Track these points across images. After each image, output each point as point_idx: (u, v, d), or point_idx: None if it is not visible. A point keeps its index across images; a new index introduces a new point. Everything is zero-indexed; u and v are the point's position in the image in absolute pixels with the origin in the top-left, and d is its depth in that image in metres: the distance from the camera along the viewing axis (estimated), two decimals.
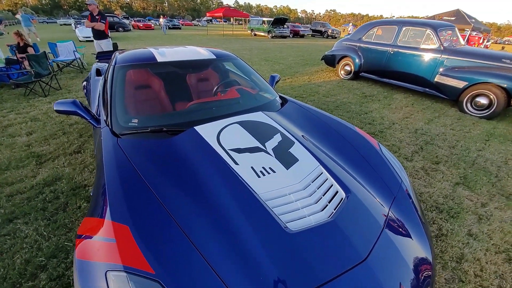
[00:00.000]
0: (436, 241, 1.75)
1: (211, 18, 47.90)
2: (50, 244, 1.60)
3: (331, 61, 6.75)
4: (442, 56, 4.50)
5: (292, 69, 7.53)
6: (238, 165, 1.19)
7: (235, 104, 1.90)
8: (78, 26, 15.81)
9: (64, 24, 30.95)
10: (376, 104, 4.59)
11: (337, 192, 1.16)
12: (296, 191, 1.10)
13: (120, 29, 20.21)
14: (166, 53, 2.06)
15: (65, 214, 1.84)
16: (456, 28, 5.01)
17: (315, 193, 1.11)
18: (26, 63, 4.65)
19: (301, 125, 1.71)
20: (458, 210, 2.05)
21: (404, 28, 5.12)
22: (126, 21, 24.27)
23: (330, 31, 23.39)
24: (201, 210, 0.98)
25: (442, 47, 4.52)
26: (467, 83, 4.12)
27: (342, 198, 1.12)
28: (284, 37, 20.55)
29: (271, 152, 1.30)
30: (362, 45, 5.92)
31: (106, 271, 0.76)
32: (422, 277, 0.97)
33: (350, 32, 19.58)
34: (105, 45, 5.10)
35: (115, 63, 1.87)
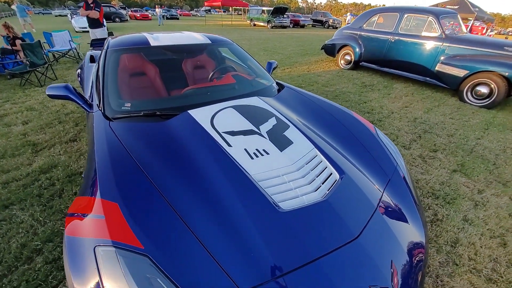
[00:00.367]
0: (431, 226, 1.76)
1: (209, 8, 46.94)
2: (46, 229, 1.61)
3: (331, 50, 6.64)
4: (444, 44, 4.42)
5: (291, 59, 7.42)
6: (231, 147, 1.18)
7: (230, 90, 1.87)
8: (74, 16, 15.51)
9: (60, 15, 30.27)
10: (376, 94, 4.54)
11: (331, 174, 1.15)
12: (289, 172, 1.09)
13: (117, 19, 19.84)
14: (160, 38, 2.02)
15: (61, 200, 1.84)
16: (458, 15, 4.90)
17: (309, 175, 1.10)
18: (21, 53, 4.57)
19: (297, 109, 1.69)
20: (454, 196, 2.06)
21: (405, 15, 5.00)
22: (123, 11, 23.78)
23: (331, 21, 22.97)
24: (192, 189, 0.97)
25: (443, 35, 4.43)
26: (468, 71, 4.06)
27: (336, 180, 1.12)
28: (284, 27, 20.16)
29: (265, 135, 1.29)
30: (362, 33, 5.80)
31: (95, 247, 0.75)
32: (415, 257, 0.98)
33: (348, 23, 19.26)
34: (100, 33, 5.01)
35: (108, 47, 1.82)
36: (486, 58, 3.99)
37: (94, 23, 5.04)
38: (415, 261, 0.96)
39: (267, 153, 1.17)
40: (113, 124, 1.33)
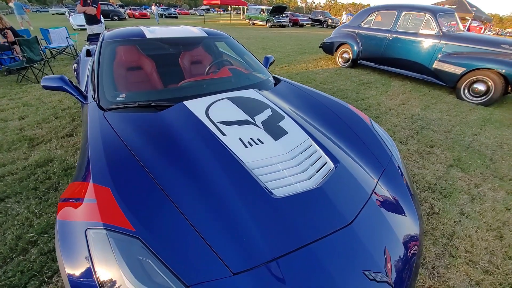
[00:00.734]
0: (427, 219, 1.76)
1: (208, 7, 46.87)
2: (41, 221, 1.60)
3: (329, 48, 6.64)
4: (441, 41, 4.43)
5: (289, 57, 7.42)
6: (225, 136, 1.18)
7: (226, 83, 1.87)
8: (72, 14, 15.43)
9: (57, 13, 30.02)
10: (373, 91, 4.55)
11: (325, 163, 1.15)
12: (283, 160, 1.09)
13: (115, 17, 19.76)
14: (156, 31, 2.01)
15: (57, 193, 1.83)
16: (456, 13, 4.92)
17: (303, 163, 1.10)
18: (17, 48, 4.54)
19: (293, 102, 1.69)
20: (451, 190, 2.06)
21: (403, 13, 5.01)
22: (122, 10, 23.70)
23: (330, 20, 22.98)
24: (184, 176, 0.97)
25: (441, 33, 4.45)
26: (465, 69, 4.08)
27: (330, 169, 1.12)
28: (283, 26, 20.17)
29: (260, 125, 1.29)
30: (360, 31, 5.81)
31: (86, 229, 0.75)
32: (409, 244, 0.98)
33: (344, 22, 19.36)
34: (97, 30, 4.98)
35: (103, 39, 1.81)
36: (483, 55, 4.01)
37: (91, 20, 5.01)
38: (409, 249, 0.96)
39: (262, 142, 1.17)
40: (107, 114, 1.33)
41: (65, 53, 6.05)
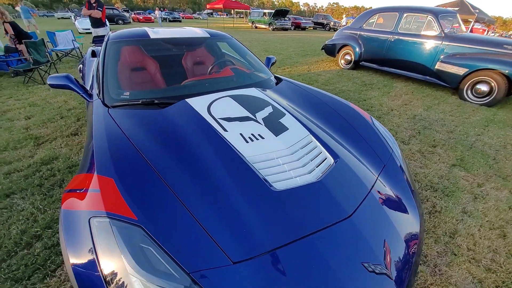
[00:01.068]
0: (429, 217, 1.75)
1: (212, 11, 47.36)
2: (46, 217, 1.63)
3: (331, 50, 6.67)
4: (443, 43, 4.43)
5: (292, 59, 7.46)
6: (227, 132, 1.19)
7: (228, 82, 1.89)
8: (77, 18, 15.73)
9: (62, 18, 30.59)
10: (375, 92, 4.55)
11: (325, 158, 1.16)
12: (283, 155, 1.10)
13: (120, 21, 20.04)
14: (160, 32, 2.05)
15: (61, 190, 1.86)
16: (457, 14, 4.92)
17: (303, 158, 1.11)
18: (24, 49, 4.63)
19: (294, 100, 1.70)
20: (453, 189, 2.05)
21: (405, 15, 5.03)
22: (126, 14, 24.05)
23: (332, 23, 23.05)
24: (185, 168, 0.99)
25: (443, 34, 4.45)
26: (468, 69, 4.07)
27: (330, 164, 1.13)
28: (285, 29, 20.27)
29: (261, 121, 1.30)
30: (362, 33, 5.83)
31: (90, 218, 0.77)
32: (409, 238, 0.98)
33: (343, 25, 19.53)
34: (102, 33, 5.07)
35: (108, 39, 1.86)
36: (486, 56, 4.00)
37: (97, 23, 5.12)
38: (409, 243, 0.96)
39: (262, 138, 1.19)
40: (112, 111, 1.35)
41: (70, 55, 6.17)
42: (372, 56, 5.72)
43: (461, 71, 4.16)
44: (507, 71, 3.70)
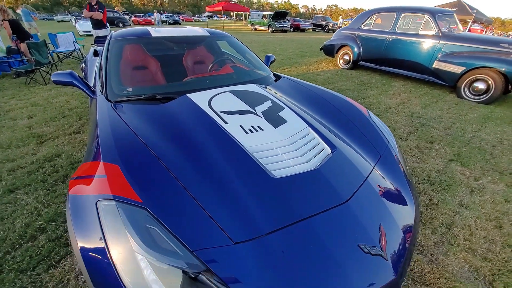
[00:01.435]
0: (426, 209, 1.78)
1: (211, 14, 47.60)
2: (50, 211, 1.65)
3: (330, 50, 6.72)
4: (440, 42, 4.48)
5: (291, 60, 7.52)
6: (227, 124, 1.23)
7: (228, 78, 1.93)
8: (78, 20, 15.87)
9: (62, 21, 30.81)
10: (374, 91, 4.59)
11: (323, 149, 1.19)
12: (282, 146, 1.14)
13: (120, 24, 20.15)
14: (161, 31, 2.09)
15: (64, 185, 1.90)
16: (454, 14, 4.98)
17: (301, 148, 1.15)
18: (26, 50, 4.69)
19: (292, 95, 1.74)
20: (450, 183, 2.08)
21: (402, 15, 5.09)
22: (127, 17, 24.22)
23: (331, 25, 23.20)
24: (187, 156, 1.02)
25: (440, 33, 4.50)
26: (465, 68, 4.11)
27: (327, 154, 1.16)
28: (285, 31, 20.41)
29: (260, 114, 1.34)
30: (360, 33, 5.89)
31: (97, 201, 0.80)
32: (404, 224, 1.01)
33: (340, 26, 19.77)
34: (103, 34, 5.12)
35: (111, 38, 1.90)
36: (483, 54, 4.04)
37: (98, 24, 5.16)
38: (404, 228, 0.99)
39: (262, 129, 1.22)
40: (115, 105, 1.39)
41: (71, 57, 6.22)
42: (370, 56, 5.78)
43: (458, 69, 4.21)
44: (504, 69, 3.75)
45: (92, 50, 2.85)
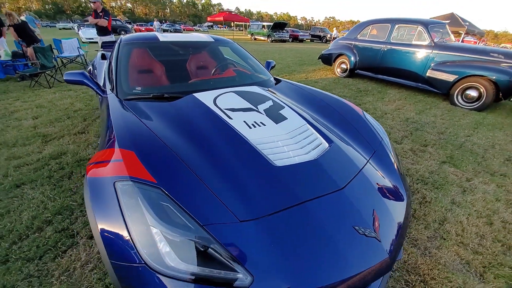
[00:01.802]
0: (419, 207, 1.85)
1: (212, 24, 48.66)
2: (56, 204, 1.70)
3: (327, 59, 6.93)
4: (433, 51, 4.67)
5: (289, 68, 7.71)
6: (231, 119, 1.31)
7: (231, 81, 2.03)
8: (81, 28, 16.19)
9: (63, 28, 31.46)
10: (370, 98, 4.73)
11: (321, 143, 1.27)
12: (283, 139, 1.22)
13: (123, 32, 20.52)
14: (168, 36, 2.21)
15: (70, 181, 1.95)
16: (446, 25, 5.20)
17: (301, 142, 1.23)
18: (32, 54, 4.80)
19: (292, 96, 1.84)
20: (443, 183, 2.16)
21: (397, 26, 5.31)
22: (129, 26, 24.73)
23: (328, 36, 23.85)
24: (195, 145, 1.10)
25: (433, 43, 4.69)
26: (458, 76, 4.28)
27: (325, 148, 1.24)
28: (284, 41, 20.92)
29: (262, 112, 1.43)
30: (357, 43, 6.10)
31: (115, 182, 0.87)
32: (396, 212, 1.08)
33: (335, 37, 20.55)
34: (109, 40, 5.26)
35: (121, 41, 2.00)
36: (474, 63, 4.22)
37: (103, 31, 5.32)
38: (396, 214, 1.06)
39: (264, 125, 1.31)
40: (125, 102, 1.48)
41: (75, 62, 6.35)
42: (366, 65, 5.97)
43: (451, 77, 4.37)
44: (494, 77, 3.91)
45: (99, 54, 2.96)
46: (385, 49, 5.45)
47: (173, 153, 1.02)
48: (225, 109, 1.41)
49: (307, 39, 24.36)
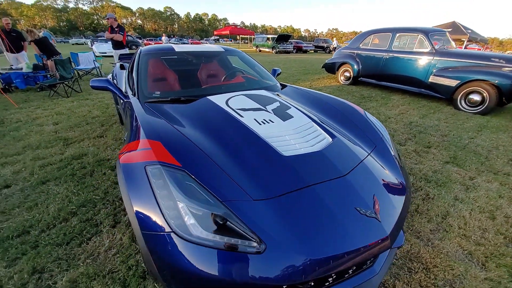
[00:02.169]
0: (422, 202, 1.92)
1: (218, 37, 50.30)
2: (80, 198, 1.84)
3: (331, 68, 7.12)
4: (435, 58, 4.79)
5: (294, 77, 7.93)
6: (243, 117, 1.45)
7: (241, 86, 2.21)
8: (94, 43, 17.06)
9: (76, 44, 33.30)
10: (374, 103, 4.84)
11: (325, 138, 1.39)
12: (290, 134, 1.35)
13: (134, 47, 21.51)
14: (183, 47, 2.43)
15: (92, 178, 2.10)
16: (447, 33, 5.34)
17: (306, 137, 1.36)
18: (52, 66, 5.15)
19: (297, 99, 1.99)
20: (446, 181, 2.22)
21: (398, 35, 5.48)
22: (139, 40, 25.90)
23: (331, 46, 24.34)
24: (211, 138, 1.26)
25: (434, 50, 4.82)
26: (460, 81, 4.36)
27: (329, 142, 1.36)
28: (288, 52, 21.44)
29: (271, 111, 1.57)
30: (359, 52, 6.28)
31: (145, 166, 1.01)
32: (396, 197, 1.17)
33: (335, 47, 21.17)
34: (125, 52, 5.59)
35: (141, 52, 2.21)
36: (476, 68, 4.31)
37: (118, 45, 5.68)
38: (395, 200, 1.15)
39: (272, 122, 1.44)
40: (147, 104, 1.65)
41: (91, 74, 6.72)
42: (369, 72, 6.11)
43: (453, 83, 4.46)
44: (496, 81, 3.98)
45: (118, 64, 3.21)
46: (387, 57, 5.60)
47: (193, 144, 1.17)
48: (237, 109, 1.56)
49: (310, 50, 24.90)
